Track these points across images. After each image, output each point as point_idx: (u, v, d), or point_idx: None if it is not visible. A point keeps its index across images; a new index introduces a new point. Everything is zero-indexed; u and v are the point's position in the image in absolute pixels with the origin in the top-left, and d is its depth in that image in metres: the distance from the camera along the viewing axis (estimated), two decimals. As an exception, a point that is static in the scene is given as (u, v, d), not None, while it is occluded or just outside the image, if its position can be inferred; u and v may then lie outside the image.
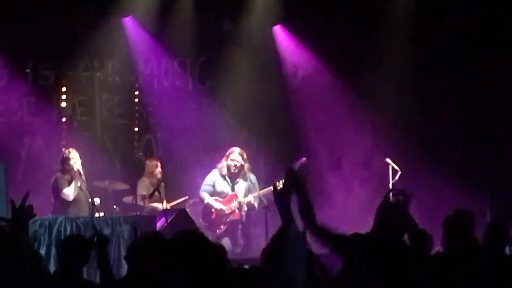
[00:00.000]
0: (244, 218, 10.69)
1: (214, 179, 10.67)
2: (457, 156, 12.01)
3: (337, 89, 12.55)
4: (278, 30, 12.82)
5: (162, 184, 10.64)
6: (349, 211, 11.86)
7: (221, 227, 10.60)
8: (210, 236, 10.35)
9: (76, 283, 5.09)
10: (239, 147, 10.83)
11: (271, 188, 10.61)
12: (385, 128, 12.10)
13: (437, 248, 6.53)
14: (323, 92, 12.66)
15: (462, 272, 5.27)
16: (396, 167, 10.70)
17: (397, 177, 10.66)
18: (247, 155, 10.76)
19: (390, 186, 10.58)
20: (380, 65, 12.16)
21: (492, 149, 11.92)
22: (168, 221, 9.40)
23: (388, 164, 10.76)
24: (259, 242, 9.61)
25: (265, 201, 10.35)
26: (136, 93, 12.35)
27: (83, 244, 5.22)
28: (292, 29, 12.70)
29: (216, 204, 10.58)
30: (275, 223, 8.79)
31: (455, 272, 5.29)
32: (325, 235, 4.79)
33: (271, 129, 12.50)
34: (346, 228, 5.89)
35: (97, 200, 9.64)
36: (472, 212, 6.87)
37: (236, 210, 10.61)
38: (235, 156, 10.61)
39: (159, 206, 10.19)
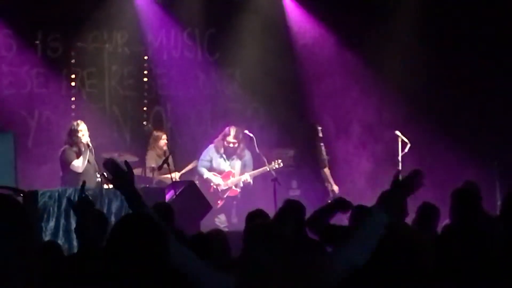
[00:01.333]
0: (239, 195, 10.95)
1: (211, 155, 10.97)
2: (466, 127, 11.96)
3: (346, 59, 12.53)
4: (288, 2, 12.76)
5: (170, 156, 10.64)
6: (357, 184, 11.89)
7: (218, 202, 10.85)
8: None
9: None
10: (248, 117, 10.91)
11: (266, 168, 10.76)
12: (393, 99, 12.06)
13: (446, 221, 6.54)
14: (331, 62, 12.64)
15: (471, 245, 5.24)
16: (405, 140, 10.67)
17: (406, 150, 10.64)
18: (250, 128, 10.96)
19: (400, 159, 10.59)
20: (387, 35, 12.11)
21: (501, 120, 11.88)
22: (177, 193, 9.42)
23: (398, 136, 10.73)
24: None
25: (273, 174, 10.40)
26: (145, 64, 12.34)
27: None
28: (302, 0, 12.64)
29: (215, 178, 10.84)
30: (283, 195, 8.91)
31: (464, 245, 5.26)
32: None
33: (280, 99, 12.50)
34: (352, 199, 5.94)
35: (105, 173, 9.64)
36: (477, 185, 6.86)
37: (233, 187, 10.88)
38: (231, 139, 10.90)
39: (168, 177, 10.21)
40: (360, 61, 12.35)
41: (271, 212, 6.45)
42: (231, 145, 10.88)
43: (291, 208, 5.84)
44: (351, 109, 12.35)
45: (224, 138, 10.91)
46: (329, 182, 11.11)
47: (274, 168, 10.88)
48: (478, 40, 11.84)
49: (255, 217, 5.61)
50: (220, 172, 10.92)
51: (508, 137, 11.67)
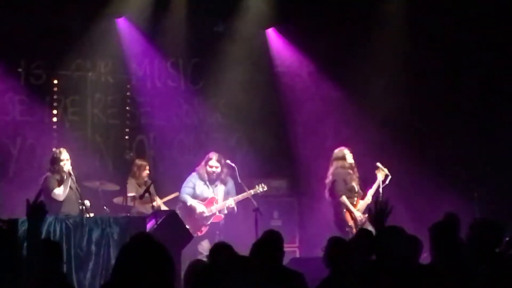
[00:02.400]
0: (223, 221, 10.92)
1: (194, 182, 10.94)
2: (447, 158, 12.04)
3: (330, 93, 12.61)
4: (271, 33, 12.87)
5: (152, 185, 10.64)
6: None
7: (202, 229, 10.83)
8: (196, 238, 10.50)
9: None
10: (231, 147, 10.94)
11: (251, 192, 10.75)
12: (373, 128, 12.12)
13: (425, 254, 6.57)
14: (315, 95, 12.72)
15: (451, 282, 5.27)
16: (386, 171, 10.68)
17: (387, 181, 10.64)
18: (233, 158, 10.96)
19: (381, 191, 10.59)
20: (372, 68, 12.20)
21: (482, 151, 11.97)
22: (158, 222, 9.40)
23: (378, 168, 10.72)
24: (249, 243, 9.63)
25: (255, 204, 10.36)
26: (128, 93, 12.36)
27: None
28: (285, 31, 12.75)
29: (199, 206, 10.80)
30: (263, 225, 8.91)
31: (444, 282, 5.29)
32: None
33: (263, 130, 12.55)
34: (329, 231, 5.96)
35: (87, 202, 9.63)
36: (457, 217, 6.90)
37: (217, 213, 10.85)
38: (213, 163, 10.88)
39: (148, 207, 10.21)
40: (341, 90, 12.44)
41: (251, 242, 6.46)
42: (214, 169, 10.85)
43: (270, 239, 5.84)
44: (332, 138, 12.38)
45: (206, 164, 10.91)
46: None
47: (259, 192, 10.85)
48: (461, 71, 11.96)
49: (220, 250, 5.50)
50: (204, 199, 10.89)
51: (488, 168, 11.76)
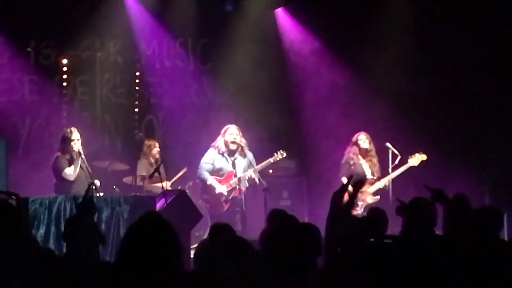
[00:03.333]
0: (243, 196, 10.59)
1: (213, 157, 10.61)
2: (456, 139, 11.98)
3: (338, 71, 12.56)
4: (280, 12, 12.83)
5: (162, 164, 10.64)
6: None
7: (224, 205, 10.56)
8: (214, 215, 10.41)
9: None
10: (240, 127, 10.79)
11: (270, 160, 10.66)
12: (382, 109, 12.08)
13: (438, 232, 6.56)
14: (324, 75, 12.68)
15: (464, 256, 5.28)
16: (396, 152, 10.66)
17: (396, 161, 10.65)
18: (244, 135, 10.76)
19: (390, 171, 10.60)
20: (380, 48, 12.14)
21: (492, 133, 11.90)
22: (168, 202, 9.43)
23: (388, 148, 10.72)
24: (258, 224, 9.64)
25: (264, 184, 10.30)
26: (137, 73, 12.36)
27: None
28: (294, 11, 12.70)
29: (218, 186, 10.53)
30: (273, 205, 8.92)
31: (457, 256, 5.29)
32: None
33: (272, 109, 12.54)
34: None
35: (97, 182, 9.67)
36: (466, 197, 6.90)
37: (237, 186, 10.53)
38: (233, 130, 10.58)
39: (158, 186, 10.20)
40: (350, 70, 12.40)
41: (262, 222, 6.46)
42: (234, 136, 10.51)
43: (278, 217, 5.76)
44: (340, 118, 12.36)
45: (224, 134, 10.58)
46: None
47: (278, 159, 10.68)
48: (470, 54, 11.87)
49: (221, 231, 5.41)
50: (223, 174, 10.58)
51: (497, 149, 11.71)
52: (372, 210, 6.97)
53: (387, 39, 12.13)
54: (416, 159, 10.73)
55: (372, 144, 10.78)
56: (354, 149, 10.77)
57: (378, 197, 10.59)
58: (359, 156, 10.73)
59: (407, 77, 11.97)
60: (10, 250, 2.47)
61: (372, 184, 10.66)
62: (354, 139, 10.84)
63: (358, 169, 10.61)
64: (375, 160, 10.78)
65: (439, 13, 12.04)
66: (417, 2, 12.17)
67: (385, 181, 10.66)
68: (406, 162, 10.71)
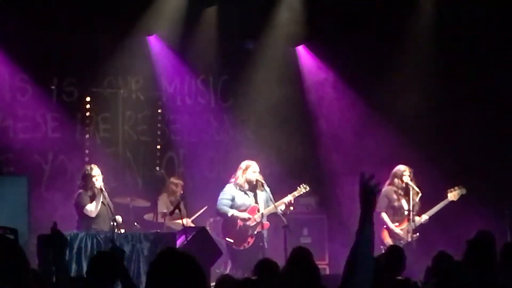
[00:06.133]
0: (266, 231, 10.43)
1: (233, 193, 10.40)
2: (477, 174, 11.90)
3: (359, 109, 12.60)
4: (301, 50, 12.92)
5: (182, 201, 10.66)
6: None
7: (248, 240, 10.33)
8: (235, 251, 10.27)
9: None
10: (260, 164, 10.73)
11: (294, 194, 10.53)
12: (403, 144, 12.05)
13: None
14: (344, 111, 12.72)
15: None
16: (416, 189, 10.51)
17: (417, 199, 10.53)
18: (262, 175, 10.59)
19: (411, 208, 10.48)
20: (400, 84, 12.17)
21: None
22: (188, 239, 9.45)
23: (408, 185, 10.55)
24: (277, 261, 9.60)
25: (284, 221, 10.18)
26: (159, 110, 12.45)
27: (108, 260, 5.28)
28: (315, 48, 12.78)
29: (242, 214, 10.30)
30: (293, 242, 8.90)
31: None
32: None
33: (292, 146, 12.58)
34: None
35: (118, 218, 9.71)
36: (492, 234, 6.84)
37: (264, 221, 10.35)
38: (255, 168, 10.41)
39: (179, 223, 10.20)
40: (373, 111, 12.42)
41: (281, 259, 6.46)
42: (257, 174, 10.31)
43: (301, 255, 5.78)
44: (361, 155, 12.36)
45: (245, 171, 10.39)
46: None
47: (302, 192, 10.56)
48: (491, 83, 11.88)
49: (264, 267, 5.50)
50: (245, 209, 10.36)
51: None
52: (391, 247, 6.94)
53: (408, 75, 12.17)
54: (455, 193, 10.57)
55: (414, 180, 10.54)
56: (396, 181, 10.57)
57: (417, 234, 10.46)
58: (400, 191, 10.60)
59: (428, 112, 12.00)
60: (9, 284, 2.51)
61: (409, 221, 10.45)
62: (394, 172, 10.61)
63: (399, 203, 10.51)
64: (415, 196, 10.48)
65: (462, 50, 12.08)
66: (439, 42, 12.20)
67: (425, 217, 10.52)
68: (445, 197, 10.59)
